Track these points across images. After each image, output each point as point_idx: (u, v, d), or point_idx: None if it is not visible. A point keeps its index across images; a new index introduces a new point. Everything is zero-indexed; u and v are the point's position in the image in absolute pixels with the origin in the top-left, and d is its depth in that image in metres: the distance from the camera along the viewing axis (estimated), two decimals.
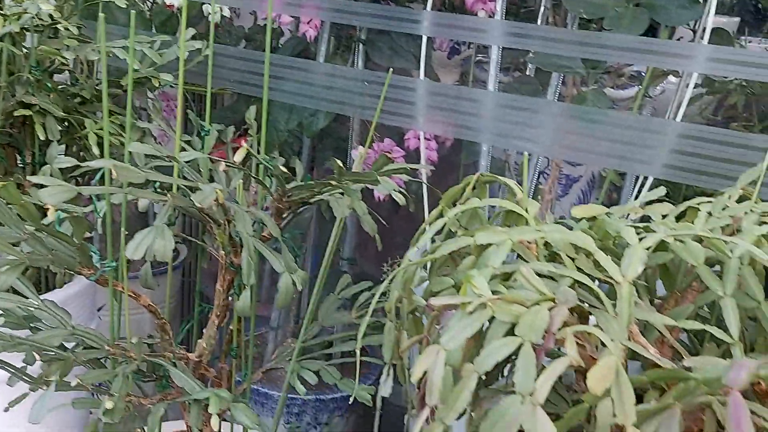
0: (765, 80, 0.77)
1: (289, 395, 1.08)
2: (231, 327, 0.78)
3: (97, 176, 0.71)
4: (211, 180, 0.79)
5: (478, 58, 1.25)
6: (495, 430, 0.36)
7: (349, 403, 1.10)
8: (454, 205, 0.57)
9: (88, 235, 0.89)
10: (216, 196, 0.55)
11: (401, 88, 0.89)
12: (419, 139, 0.97)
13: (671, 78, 1.13)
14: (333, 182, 0.57)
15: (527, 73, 1.06)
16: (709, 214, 0.58)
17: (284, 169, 0.61)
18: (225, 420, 0.88)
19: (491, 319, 0.41)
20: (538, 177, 1.07)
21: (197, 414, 0.60)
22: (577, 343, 0.45)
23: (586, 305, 0.45)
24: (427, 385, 0.39)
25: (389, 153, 0.95)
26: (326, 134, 1.08)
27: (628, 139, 0.81)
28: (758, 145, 0.73)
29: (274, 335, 1.18)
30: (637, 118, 0.81)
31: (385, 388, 0.58)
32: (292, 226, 1.10)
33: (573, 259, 0.51)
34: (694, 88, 1.30)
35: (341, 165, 0.57)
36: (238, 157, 0.54)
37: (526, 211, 0.52)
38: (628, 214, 0.61)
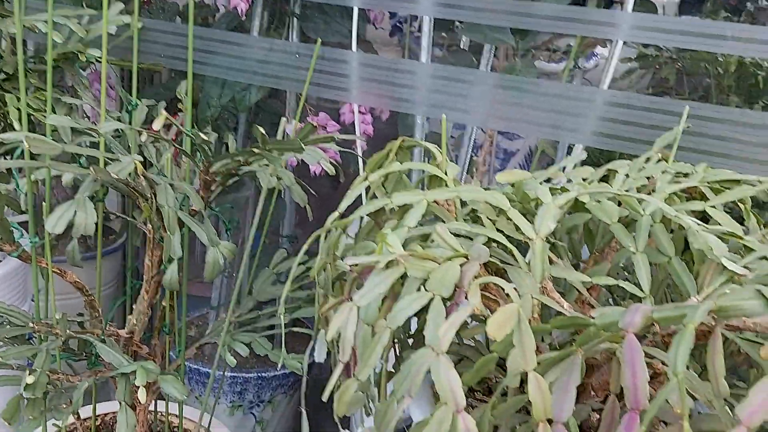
0: (687, 47, 0.79)
1: (231, 374, 1.07)
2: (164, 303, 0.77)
3: (17, 152, 0.70)
4: (141, 155, 0.78)
5: (417, 35, 1.25)
6: (405, 381, 0.36)
7: (292, 380, 1.10)
8: None
9: (24, 218, 0.87)
10: (134, 167, 0.54)
11: (334, 60, 0.88)
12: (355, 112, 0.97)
13: (605, 53, 1.15)
14: (255, 150, 0.56)
15: (461, 47, 1.07)
16: (627, 176, 0.59)
17: (205, 138, 0.60)
18: (162, 399, 0.87)
19: (405, 277, 0.42)
20: (476, 151, 1.08)
21: (125, 388, 0.59)
22: (492, 299, 0.45)
23: (502, 263, 0.46)
24: (340, 342, 0.40)
25: (324, 127, 0.95)
26: (262, 110, 1.07)
27: (558, 108, 0.82)
28: (680, 110, 0.75)
29: (215, 315, 1.17)
30: (565, 86, 0.83)
31: (319, 354, 0.58)
32: (230, 203, 1.09)
33: (494, 222, 0.52)
34: (628, 62, 1.33)
35: (263, 132, 0.57)
36: (157, 125, 0.53)
37: (445, 173, 0.52)
38: (551, 179, 0.62)
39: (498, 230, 0.50)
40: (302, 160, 0.88)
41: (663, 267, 0.51)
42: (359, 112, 0.95)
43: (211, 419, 0.87)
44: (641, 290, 0.49)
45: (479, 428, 0.40)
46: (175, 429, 0.89)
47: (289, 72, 0.90)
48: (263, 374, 1.07)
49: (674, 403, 0.34)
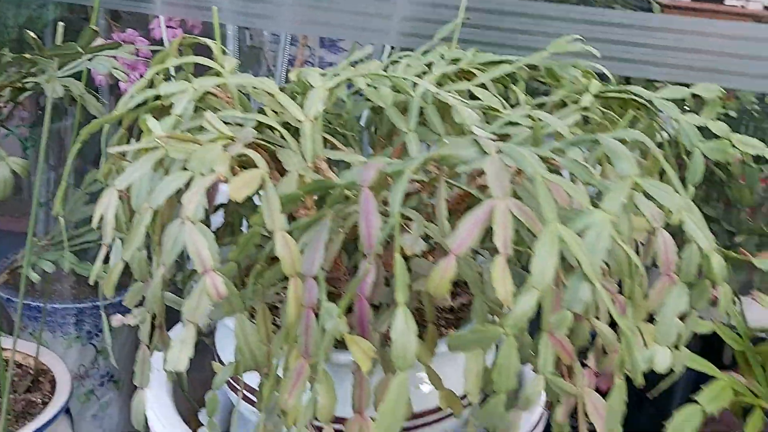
0: None
1: (65, 305, 1.05)
2: None
3: None
4: None
5: None
6: (164, 249, 0.38)
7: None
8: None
9: None
10: None
11: None
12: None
13: None
14: (27, 56, 0.54)
15: None
16: (409, 65, 0.62)
17: None
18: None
19: (172, 161, 0.43)
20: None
21: None
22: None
23: (276, 146, 0.48)
24: (102, 226, 0.40)
25: (132, 43, 0.92)
26: (68, 30, 1.01)
27: (363, 9, 0.84)
28: (475, 5, 0.78)
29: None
30: None
31: (113, 257, 0.58)
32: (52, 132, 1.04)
33: (281, 113, 0.54)
34: None
35: (36, 37, 0.55)
36: None
37: (222, 66, 0.53)
38: (339, 74, 0.64)
39: (285, 124, 0.51)
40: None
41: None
42: (168, 26, 0.92)
43: (38, 349, 0.85)
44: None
45: (245, 297, 0.43)
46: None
47: None
48: (98, 303, 1.05)
49: (404, 245, 0.38)
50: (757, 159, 1.04)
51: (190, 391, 0.60)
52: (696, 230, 0.36)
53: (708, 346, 0.58)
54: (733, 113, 1.01)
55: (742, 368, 0.56)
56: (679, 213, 0.36)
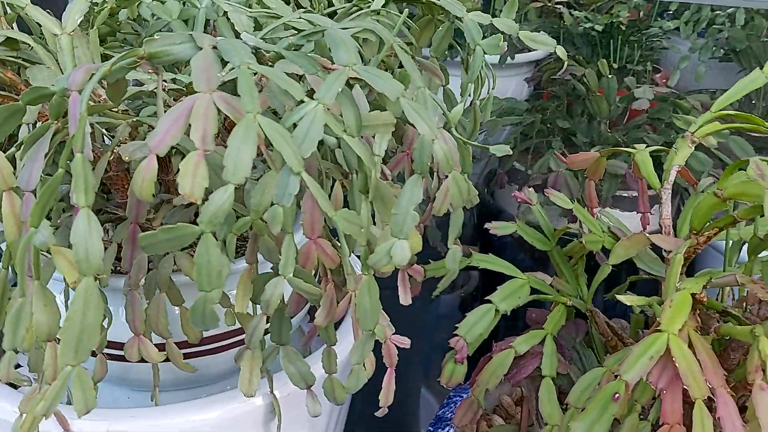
0: None
1: None
2: None
3: None
4: None
5: None
6: None
7: None
8: None
9: None
10: None
11: None
12: None
13: None
14: None
15: None
16: None
17: None
18: None
19: None
20: None
21: None
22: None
23: (29, 62, 0.45)
24: None
25: None
26: None
27: None
28: None
29: None
30: None
31: None
32: None
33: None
34: None
35: None
36: None
37: None
38: None
39: (53, 52, 0.48)
40: None
41: None
42: None
43: None
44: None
45: None
46: None
47: None
48: None
49: (125, 151, 0.36)
50: (618, 69, 1.04)
51: None
52: (416, 117, 0.34)
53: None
54: (599, 27, 1.01)
55: (555, 268, 0.56)
56: (396, 100, 0.34)
